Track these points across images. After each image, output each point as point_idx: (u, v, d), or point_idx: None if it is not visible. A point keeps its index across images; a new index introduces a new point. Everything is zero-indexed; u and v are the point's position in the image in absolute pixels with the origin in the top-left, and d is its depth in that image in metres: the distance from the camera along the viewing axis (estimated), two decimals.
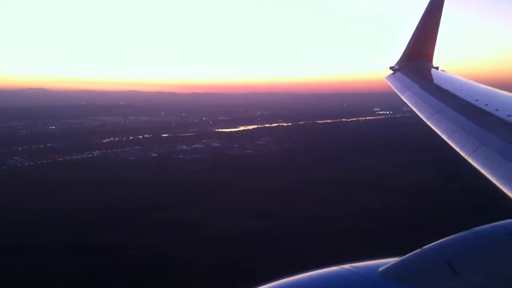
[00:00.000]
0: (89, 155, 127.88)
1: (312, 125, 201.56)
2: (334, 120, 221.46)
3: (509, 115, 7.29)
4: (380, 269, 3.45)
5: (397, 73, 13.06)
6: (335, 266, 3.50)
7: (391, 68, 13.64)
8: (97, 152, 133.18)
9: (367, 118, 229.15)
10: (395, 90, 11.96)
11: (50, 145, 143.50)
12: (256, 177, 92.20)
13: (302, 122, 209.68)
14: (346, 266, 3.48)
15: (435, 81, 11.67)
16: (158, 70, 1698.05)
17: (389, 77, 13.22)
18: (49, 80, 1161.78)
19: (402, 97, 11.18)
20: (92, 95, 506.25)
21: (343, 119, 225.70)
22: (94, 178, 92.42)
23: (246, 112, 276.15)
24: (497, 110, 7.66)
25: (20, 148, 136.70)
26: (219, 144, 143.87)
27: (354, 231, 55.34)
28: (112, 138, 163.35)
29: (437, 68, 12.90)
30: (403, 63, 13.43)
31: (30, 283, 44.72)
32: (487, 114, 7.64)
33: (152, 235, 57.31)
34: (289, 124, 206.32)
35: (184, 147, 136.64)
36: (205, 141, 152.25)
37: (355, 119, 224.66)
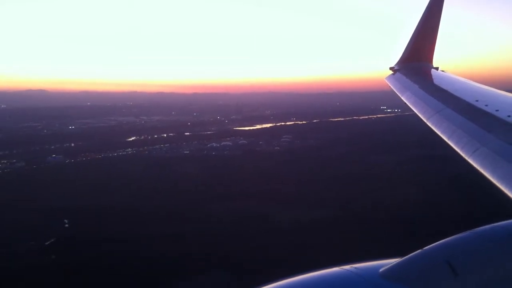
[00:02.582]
0: (124, 153, 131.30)
1: (327, 122, 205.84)
2: (346, 118, 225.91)
3: (509, 116, 7.29)
4: (380, 270, 3.48)
5: (397, 73, 13.05)
6: (335, 267, 3.53)
7: (391, 68, 13.62)
8: (130, 150, 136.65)
9: (378, 116, 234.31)
10: (395, 91, 11.94)
11: (80, 143, 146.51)
12: (296, 171, 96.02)
13: (316, 120, 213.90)
14: (347, 267, 3.51)
15: (435, 81, 11.66)
16: (157, 70, 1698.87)
17: (388, 77, 13.21)
18: (47, 82, 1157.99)
19: (402, 98, 11.16)
20: (93, 96, 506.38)
21: (355, 117, 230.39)
22: (143, 173, 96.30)
23: (256, 111, 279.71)
24: (497, 110, 7.67)
25: (52, 147, 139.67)
26: (245, 142, 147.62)
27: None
28: (136, 137, 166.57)
29: (437, 68, 12.86)
30: (403, 63, 13.45)
31: None
32: (487, 114, 7.66)
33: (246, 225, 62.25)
34: (304, 122, 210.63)
35: (214, 144, 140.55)
36: (228, 138, 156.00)
37: (366, 117, 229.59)
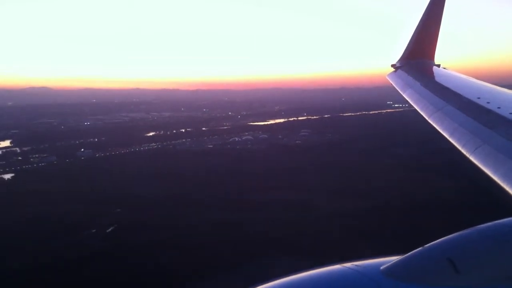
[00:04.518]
0: (149, 147, 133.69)
1: (338, 117, 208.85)
2: (356, 113, 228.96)
3: (511, 113, 7.31)
4: (382, 267, 3.50)
5: (399, 70, 13.14)
6: (337, 264, 3.55)
7: (392, 65, 13.67)
8: (154, 144, 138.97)
9: (388, 110, 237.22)
10: (397, 88, 11.99)
11: (103, 139, 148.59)
12: (325, 164, 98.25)
13: (327, 115, 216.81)
14: (348, 264, 3.54)
15: (437, 78, 11.65)
16: (157, 69, 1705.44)
17: (390, 75, 13.31)
18: (48, 80, 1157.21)
19: (404, 95, 11.19)
20: (96, 93, 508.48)
21: (364, 112, 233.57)
22: (177, 165, 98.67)
23: (264, 107, 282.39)
24: (499, 108, 7.67)
25: (77, 142, 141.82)
26: (265, 136, 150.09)
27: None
28: (155, 132, 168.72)
29: (438, 65, 12.90)
30: (405, 61, 13.48)
31: None
32: (489, 112, 7.66)
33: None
34: (316, 117, 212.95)
35: (236, 138, 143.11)
36: (247, 133, 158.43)
37: (376, 112, 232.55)
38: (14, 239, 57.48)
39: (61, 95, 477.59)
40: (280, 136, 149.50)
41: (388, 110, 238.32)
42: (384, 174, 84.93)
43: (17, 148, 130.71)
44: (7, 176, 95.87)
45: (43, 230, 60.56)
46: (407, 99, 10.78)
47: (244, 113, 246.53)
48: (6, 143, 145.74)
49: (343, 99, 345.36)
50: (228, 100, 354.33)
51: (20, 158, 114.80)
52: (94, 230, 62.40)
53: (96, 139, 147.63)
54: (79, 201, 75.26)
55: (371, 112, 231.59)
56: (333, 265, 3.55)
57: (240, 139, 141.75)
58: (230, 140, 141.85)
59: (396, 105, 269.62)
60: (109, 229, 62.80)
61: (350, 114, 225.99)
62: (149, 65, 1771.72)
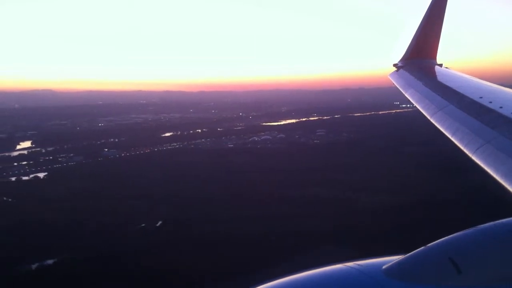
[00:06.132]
0: (171, 147, 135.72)
1: (349, 117, 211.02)
2: (366, 113, 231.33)
3: None
4: (383, 266, 3.52)
5: (400, 70, 13.14)
6: (338, 263, 3.56)
7: (394, 65, 13.65)
8: (175, 144, 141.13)
9: (397, 110, 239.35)
10: (399, 88, 12.01)
11: (123, 139, 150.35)
12: (350, 161, 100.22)
13: (338, 115, 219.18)
14: (350, 263, 3.55)
15: (439, 78, 11.70)
16: (158, 70, 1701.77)
17: (392, 74, 13.32)
18: (50, 82, 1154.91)
19: (406, 94, 11.23)
20: (101, 95, 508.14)
21: (373, 112, 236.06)
22: (205, 163, 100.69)
23: (272, 108, 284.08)
24: (501, 107, 7.68)
25: (98, 142, 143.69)
26: (283, 135, 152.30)
27: None
28: (172, 132, 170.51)
29: (440, 65, 12.91)
30: (407, 60, 13.46)
31: None
32: (491, 111, 7.67)
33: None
34: (328, 117, 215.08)
35: (255, 138, 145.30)
36: (263, 133, 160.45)
37: (385, 112, 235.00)
38: (68, 233, 59.49)
39: (65, 97, 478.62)
40: (297, 136, 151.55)
41: (397, 110, 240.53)
42: (416, 170, 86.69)
43: (42, 149, 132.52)
44: (41, 175, 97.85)
45: (96, 225, 62.48)
46: (408, 98, 10.91)
47: (254, 114, 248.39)
48: (27, 143, 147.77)
49: (349, 99, 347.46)
50: (233, 101, 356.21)
51: (47, 158, 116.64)
52: (143, 225, 64.48)
53: (116, 140, 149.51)
54: (120, 198, 76.90)
55: (380, 112, 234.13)
56: (335, 264, 3.59)
57: (259, 139, 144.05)
58: (250, 139, 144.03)
59: (404, 105, 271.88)
60: (158, 224, 64.93)
61: (360, 114, 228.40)
62: (150, 66, 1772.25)
